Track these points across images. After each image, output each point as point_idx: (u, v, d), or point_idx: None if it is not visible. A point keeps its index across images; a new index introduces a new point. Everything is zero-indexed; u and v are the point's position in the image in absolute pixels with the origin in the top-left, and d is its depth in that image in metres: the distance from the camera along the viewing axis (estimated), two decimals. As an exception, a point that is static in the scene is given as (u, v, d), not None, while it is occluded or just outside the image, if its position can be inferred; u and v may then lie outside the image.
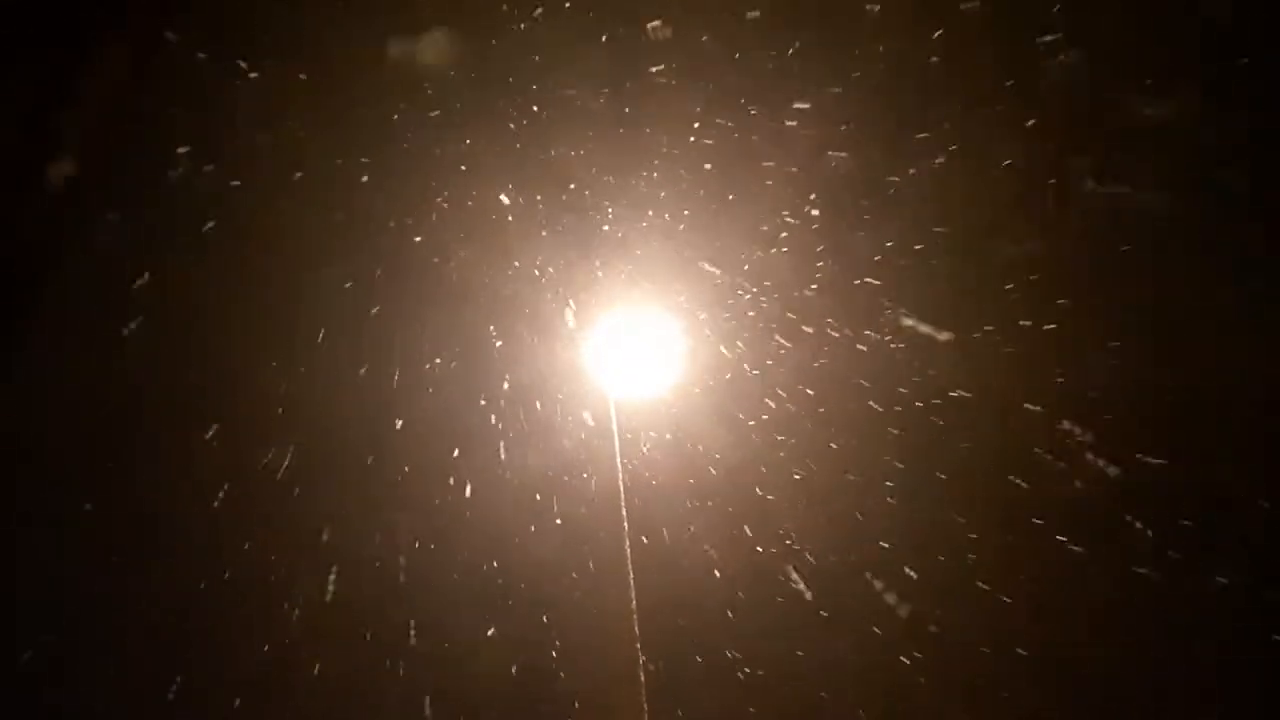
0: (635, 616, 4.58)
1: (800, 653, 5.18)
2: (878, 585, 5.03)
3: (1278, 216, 4.36)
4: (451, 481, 5.11)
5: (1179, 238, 4.48)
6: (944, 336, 4.77)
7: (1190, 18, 4.15)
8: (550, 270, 4.98)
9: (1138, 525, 4.75)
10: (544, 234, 4.91)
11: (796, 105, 4.54)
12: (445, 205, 4.87)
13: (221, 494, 4.91)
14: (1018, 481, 4.84)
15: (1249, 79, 4.14)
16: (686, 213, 4.81)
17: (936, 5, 4.29)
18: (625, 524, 4.84)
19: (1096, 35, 4.25)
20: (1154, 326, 4.67)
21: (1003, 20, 4.24)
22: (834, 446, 5.02)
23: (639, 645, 4.66)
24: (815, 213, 4.71)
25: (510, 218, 4.86)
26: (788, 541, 5.11)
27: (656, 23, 4.42)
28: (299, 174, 4.62)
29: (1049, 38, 4.24)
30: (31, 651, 4.92)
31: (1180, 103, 4.23)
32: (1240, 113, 4.24)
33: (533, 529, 5.15)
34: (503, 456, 5.14)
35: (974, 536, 4.96)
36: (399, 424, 5.05)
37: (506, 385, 5.11)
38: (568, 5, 4.48)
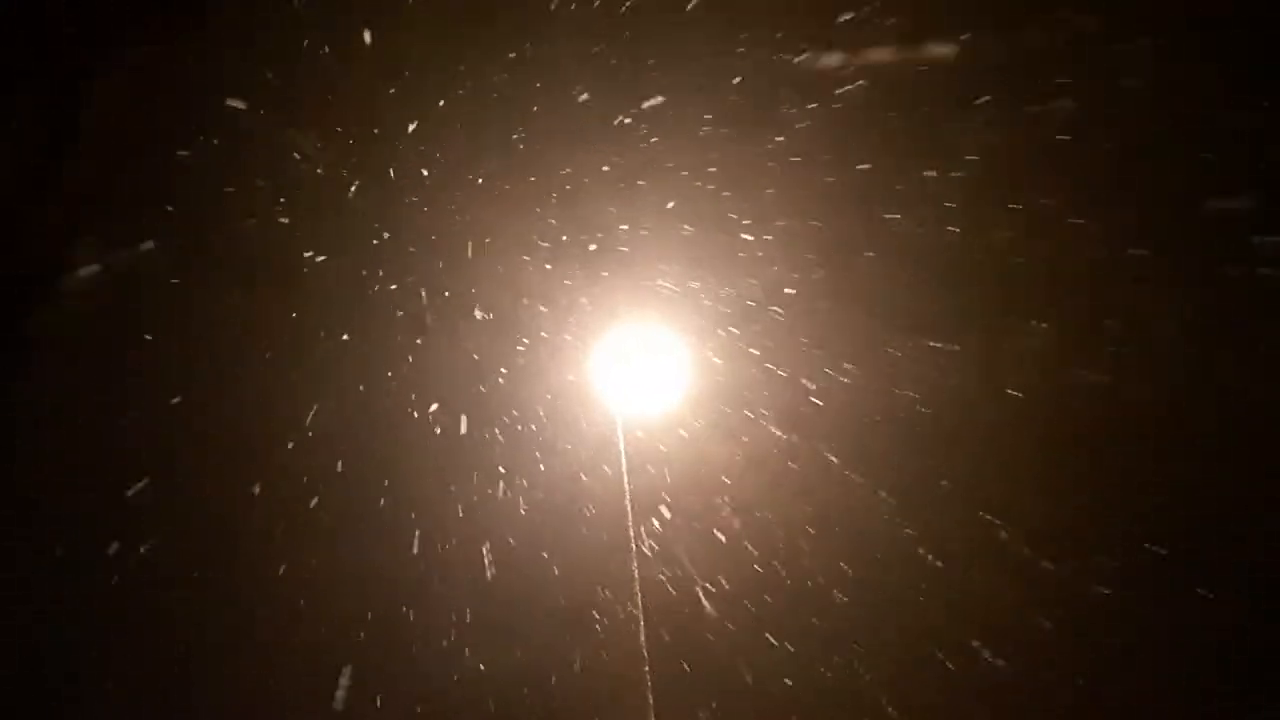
0: (643, 636, 4.57)
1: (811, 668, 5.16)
2: (892, 600, 5.02)
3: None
4: (457, 504, 5.10)
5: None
6: (953, 351, 4.78)
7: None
8: (557, 290, 4.98)
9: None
10: (551, 254, 4.92)
11: (800, 125, 4.57)
12: (450, 227, 4.88)
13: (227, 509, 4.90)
14: (1028, 502, 4.84)
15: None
16: (694, 232, 4.82)
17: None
18: (633, 543, 4.84)
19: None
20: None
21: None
22: (842, 464, 5.01)
23: (647, 666, 4.65)
24: (824, 232, 4.72)
25: (517, 237, 4.87)
26: (799, 556, 5.09)
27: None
28: (308, 195, 4.64)
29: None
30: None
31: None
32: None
33: (540, 551, 5.13)
34: (510, 478, 5.13)
35: (981, 554, 4.95)
36: (402, 444, 5.05)
37: (513, 406, 5.10)
38: (574, 27, 4.50)
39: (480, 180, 4.75)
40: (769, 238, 4.78)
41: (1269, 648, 4.69)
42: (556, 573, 5.13)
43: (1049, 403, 4.83)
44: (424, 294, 4.94)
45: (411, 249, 4.88)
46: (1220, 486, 4.73)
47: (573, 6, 4.43)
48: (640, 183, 4.76)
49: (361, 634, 5.09)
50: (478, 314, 4.99)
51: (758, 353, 4.97)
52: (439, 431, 5.08)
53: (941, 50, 4.33)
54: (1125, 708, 4.89)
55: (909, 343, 4.87)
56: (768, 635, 5.14)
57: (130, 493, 4.87)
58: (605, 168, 4.72)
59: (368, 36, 4.45)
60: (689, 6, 4.38)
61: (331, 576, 5.02)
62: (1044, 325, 4.79)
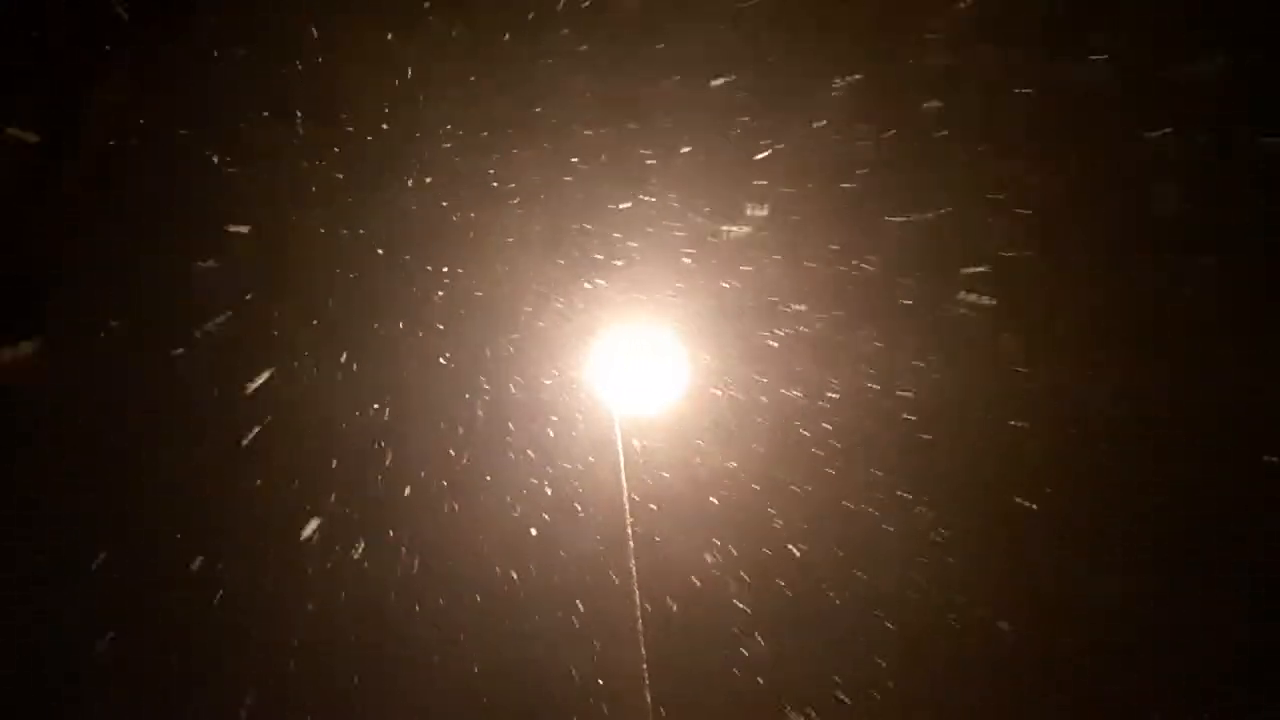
0: (641, 633, 4.57)
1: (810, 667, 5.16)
2: (889, 600, 5.02)
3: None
4: (454, 503, 5.11)
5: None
6: (955, 352, 4.78)
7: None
8: (554, 287, 4.99)
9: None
10: (548, 251, 4.93)
11: (797, 121, 4.58)
12: (448, 224, 4.89)
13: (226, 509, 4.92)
14: (1023, 501, 4.85)
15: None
16: (692, 229, 4.83)
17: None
18: (631, 541, 4.84)
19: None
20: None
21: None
22: (842, 462, 5.01)
23: (645, 664, 4.65)
24: (824, 227, 4.73)
25: (514, 236, 4.88)
26: (795, 556, 5.10)
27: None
28: (309, 189, 4.66)
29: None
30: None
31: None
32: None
33: (538, 549, 5.14)
34: (507, 474, 5.13)
35: (979, 552, 4.96)
36: (400, 442, 5.05)
37: (510, 403, 5.11)
38: (570, 28, 4.52)
39: (482, 179, 4.76)
40: (768, 237, 4.80)
41: (1269, 648, 4.68)
42: (554, 571, 5.13)
43: (1049, 404, 4.83)
44: (422, 292, 4.96)
45: (410, 247, 4.90)
46: (1220, 486, 4.73)
47: (583, 5, 4.46)
48: (640, 182, 4.77)
49: (359, 632, 5.10)
50: (476, 312, 5.00)
51: (757, 353, 4.98)
52: (434, 430, 5.10)
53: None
54: (1126, 708, 4.89)
55: (910, 343, 4.88)
56: (766, 634, 5.14)
57: (130, 493, 4.88)
58: (607, 169, 4.74)
59: (370, 36, 4.47)
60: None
61: (328, 577, 5.03)
62: (1045, 327, 4.80)
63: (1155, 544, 4.83)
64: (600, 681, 5.01)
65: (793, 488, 5.04)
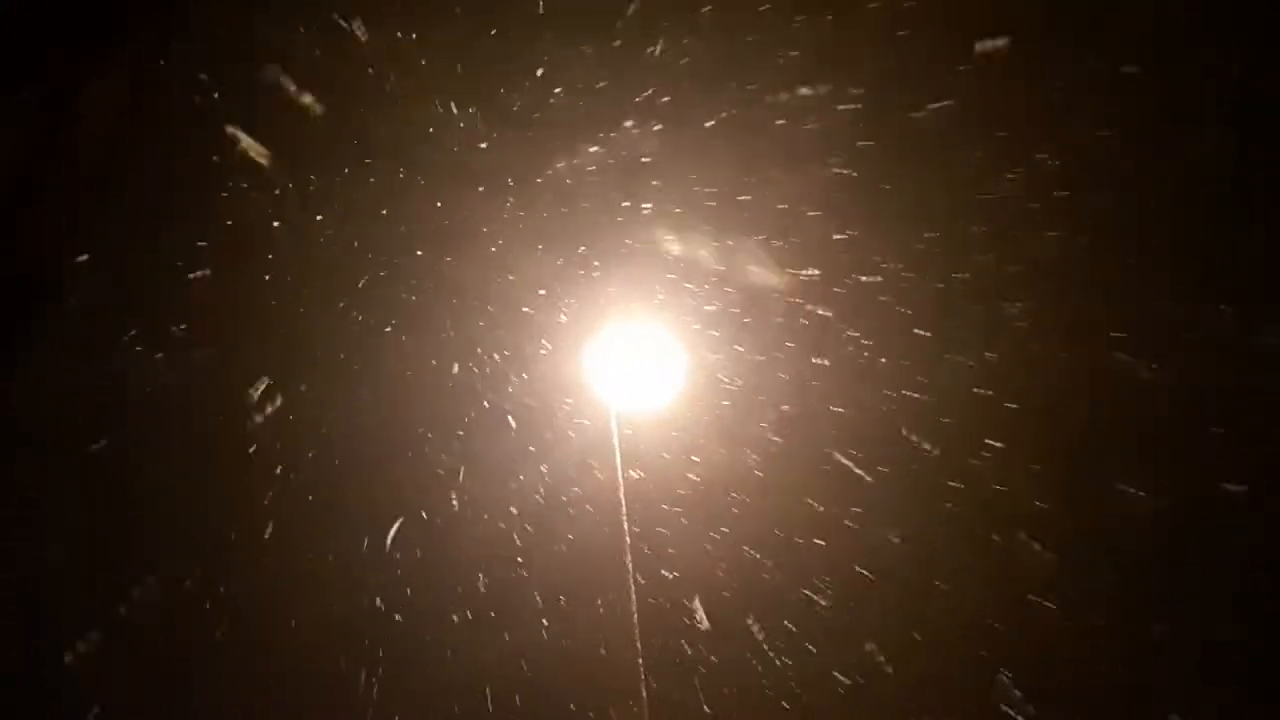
0: (637, 631, 4.58)
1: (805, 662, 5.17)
2: (882, 596, 5.02)
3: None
4: (451, 497, 5.12)
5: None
6: (950, 350, 4.79)
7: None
8: (551, 284, 5.00)
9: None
10: (545, 248, 4.94)
11: (797, 119, 4.59)
12: (445, 220, 4.90)
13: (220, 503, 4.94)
14: (1022, 502, 4.84)
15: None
16: (689, 225, 4.84)
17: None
18: (627, 538, 4.84)
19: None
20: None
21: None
22: (840, 462, 5.01)
23: (640, 660, 4.65)
24: (818, 224, 4.74)
25: (511, 231, 4.89)
26: (794, 554, 5.10)
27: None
28: (308, 188, 4.68)
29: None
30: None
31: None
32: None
33: (534, 547, 5.15)
34: (504, 474, 5.14)
35: (979, 553, 4.95)
36: (397, 442, 5.07)
37: (506, 400, 5.12)
38: (570, 20, 4.53)
39: (478, 177, 4.78)
40: (765, 236, 4.81)
41: (1269, 648, 4.68)
42: (551, 570, 5.14)
43: (1050, 403, 4.83)
44: (419, 291, 4.98)
45: (408, 245, 4.92)
46: (1218, 488, 4.73)
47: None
48: (638, 179, 4.79)
49: (359, 629, 5.12)
50: (472, 309, 5.02)
51: (753, 350, 4.99)
52: (431, 429, 5.11)
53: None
54: (1126, 707, 4.89)
55: (908, 342, 4.88)
56: (761, 630, 5.15)
57: (129, 494, 4.90)
58: (603, 164, 4.75)
59: (367, 35, 4.49)
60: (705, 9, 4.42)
61: (327, 574, 5.05)
62: (1047, 326, 4.80)
63: (1154, 544, 4.82)
64: (597, 680, 5.03)
65: (790, 486, 5.04)
